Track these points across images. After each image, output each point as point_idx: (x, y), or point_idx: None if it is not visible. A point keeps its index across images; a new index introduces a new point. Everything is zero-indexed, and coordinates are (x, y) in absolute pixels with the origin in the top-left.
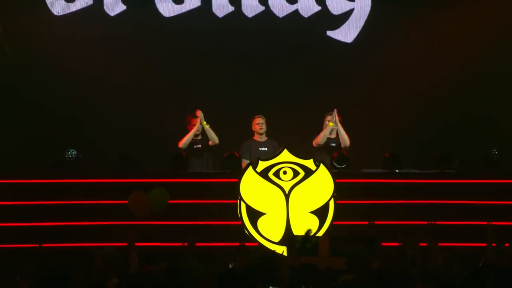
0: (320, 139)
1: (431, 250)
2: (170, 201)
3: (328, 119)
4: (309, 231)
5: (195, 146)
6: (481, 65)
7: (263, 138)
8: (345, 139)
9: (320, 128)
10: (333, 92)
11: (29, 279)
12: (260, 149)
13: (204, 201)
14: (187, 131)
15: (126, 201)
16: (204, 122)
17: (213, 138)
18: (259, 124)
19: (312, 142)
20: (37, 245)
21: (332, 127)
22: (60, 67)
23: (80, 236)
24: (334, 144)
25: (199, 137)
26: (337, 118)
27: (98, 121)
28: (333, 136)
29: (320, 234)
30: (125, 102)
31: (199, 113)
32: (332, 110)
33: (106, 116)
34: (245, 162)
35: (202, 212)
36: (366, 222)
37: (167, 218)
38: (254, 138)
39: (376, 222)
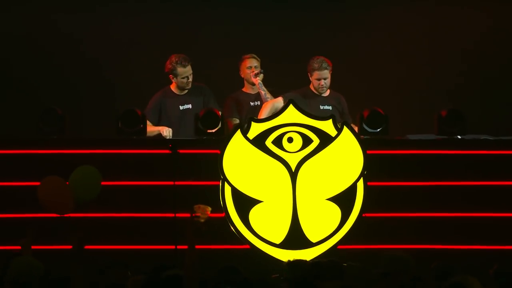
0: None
1: None
2: (112, 183)
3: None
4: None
5: (181, 107)
6: None
7: (256, 89)
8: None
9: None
10: (366, 29)
11: None
12: (252, 103)
13: (169, 183)
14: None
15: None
16: None
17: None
18: (251, 67)
19: None
20: None
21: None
22: None
23: None
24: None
25: (185, 92)
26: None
27: (19, 66)
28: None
29: (344, 230)
30: (64, 45)
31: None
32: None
33: (31, 60)
34: (231, 121)
35: (165, 199)
36: (405, 214)
37: (113, 208)
38: (243, 90)
39: (427, 214)
